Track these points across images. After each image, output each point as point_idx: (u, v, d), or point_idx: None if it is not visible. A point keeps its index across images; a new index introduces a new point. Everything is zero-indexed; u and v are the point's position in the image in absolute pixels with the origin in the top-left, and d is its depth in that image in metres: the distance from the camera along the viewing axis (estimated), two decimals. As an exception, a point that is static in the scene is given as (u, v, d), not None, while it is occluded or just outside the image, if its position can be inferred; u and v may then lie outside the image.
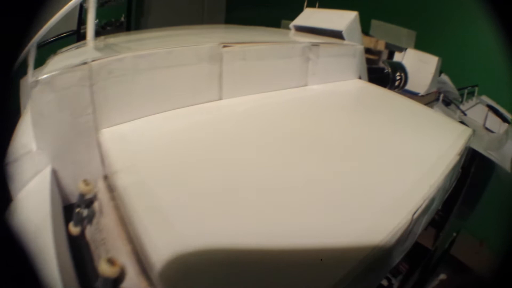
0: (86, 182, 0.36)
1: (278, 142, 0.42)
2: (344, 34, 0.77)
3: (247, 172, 0.36)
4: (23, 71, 0.55)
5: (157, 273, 0.23)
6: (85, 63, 0.40)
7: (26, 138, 0.40)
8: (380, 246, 0.27)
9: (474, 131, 0.56)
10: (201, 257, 0.24)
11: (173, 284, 0.23)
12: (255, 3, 2.98)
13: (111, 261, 0.26)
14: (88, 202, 0.37)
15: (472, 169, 1.25)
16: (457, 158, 0.44)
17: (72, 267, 0.31)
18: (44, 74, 0.38)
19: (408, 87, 1.09)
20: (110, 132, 0.41)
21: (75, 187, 0.39)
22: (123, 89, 0.43)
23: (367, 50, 0.79)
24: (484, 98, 1.63)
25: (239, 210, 0.30)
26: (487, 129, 1.42)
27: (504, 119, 1.50)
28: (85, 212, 0.36)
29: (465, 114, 1.47)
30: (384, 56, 1.22)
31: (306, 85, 0.64)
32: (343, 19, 0.80)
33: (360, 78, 0.75)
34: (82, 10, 2.07)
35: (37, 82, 0.38)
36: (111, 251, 0.30)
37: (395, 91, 1.10)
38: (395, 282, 0.97)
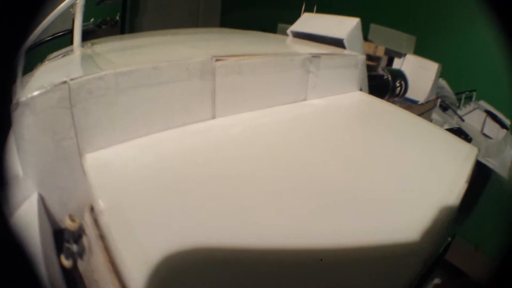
0: (71, 218, 0.33)
1: (279, 174, 0.38)
2: (345, 43, 0.73)
3: (248, 214, 0.32)
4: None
5: None
6: (64, 82, 0.36)
7: (14, 160, 0.36)
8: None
9: (479, 150, 0.53)
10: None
11: None
12: (250, 4, 2.94)
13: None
14: (76, 236, 0.34)
15: (469, 175, 1.23)
16: (466, 185, 0.41)
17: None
18: (24, 95, 0.35)
19: (408, 94, 1.06)
20: (94, 159, 0.37)
21: (62, 213, 0.37)
22: (106, 110, 0.39)
23: (366, 56, 0.76)
24: (482, 103, 1.60)
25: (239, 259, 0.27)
26: (484, 135, 1.40)
27: (503, 125, 1.48)
28: (74, 247, 0.33)
29: (462, 120, 1.45)
30: (383, 62, 1.19)
31: (305, 99, 0.60)
32: (344, 26, 0.76)
33: (361, 89, 0.72)
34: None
35: (17, 104, 0.35)
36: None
37: (395, 100, 1.07)
38: None
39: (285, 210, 0.33)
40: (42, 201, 0.37)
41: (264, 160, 0.40)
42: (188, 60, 0.43)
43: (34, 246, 0.30)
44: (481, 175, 1.28)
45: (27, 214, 0.34)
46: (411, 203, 0.36)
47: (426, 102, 1.17)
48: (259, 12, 2.62)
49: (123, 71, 0.39)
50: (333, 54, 0.63)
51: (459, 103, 1.55)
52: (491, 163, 1.16)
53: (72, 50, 0.59)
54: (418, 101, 1.14)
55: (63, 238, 0.35)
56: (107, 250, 0.29)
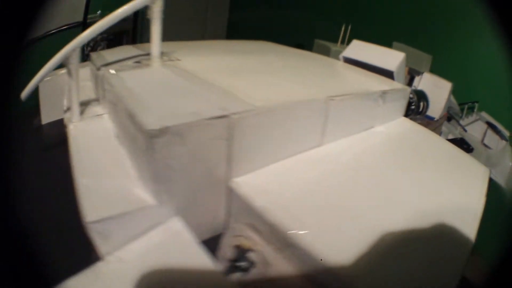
0: (246, 238, 0.46)
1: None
2: (395, 75, 0.89)
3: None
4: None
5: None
6: (225, 116, 0.43)
7: (138, 193, 0.42)
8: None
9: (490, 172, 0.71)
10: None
11: None
12: (259, 3, 3.01)
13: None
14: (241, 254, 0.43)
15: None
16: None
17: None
18: (168, 121, 0.38)
19: (426, 111, 1.24)
20: (244, 183, 0.47)
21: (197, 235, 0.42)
22: (255, 140, 0.48)
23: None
24: (484, 114, 1.78)
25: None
26: (485, 145, 1.60)
27: (502, 137, 1.65)
28: (244, 263, 0.42)
29: (465, 130, 1.65)
30: (406, 80, 1.35)
31: (372, 127, 0.76)
32: (393, 59, 0.91)
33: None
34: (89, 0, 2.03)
35: (163, 131, 0.37)
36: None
37: (417, 117, 1.24)
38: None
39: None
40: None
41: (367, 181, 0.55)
42: (312, 99, 0.56)
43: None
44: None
45: (168, 232, 0.41)
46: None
47: (440, 118, 1.36)
48: (267, 11, 2.72)
49: (274, 107, 0.48)
50: (395, 90, 0.79)
51: (462, 114, 1.76)
52: (491, 173, 1.36)
53: (147, 59, 0.70)
54: (434, 118, 1.33)
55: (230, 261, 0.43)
56: (291, 258, 0.42)
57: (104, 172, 0.47)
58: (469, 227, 0.47)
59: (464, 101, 1.78)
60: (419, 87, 1.34)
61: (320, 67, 0.88)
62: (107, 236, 0.38)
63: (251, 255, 0.43)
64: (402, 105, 0.84)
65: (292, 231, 0.41)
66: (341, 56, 0.99)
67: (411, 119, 0.95)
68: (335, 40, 1.68)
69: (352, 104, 0.64)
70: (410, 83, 1.38)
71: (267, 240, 0.44)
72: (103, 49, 2.47)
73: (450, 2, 1.70)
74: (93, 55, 0.82)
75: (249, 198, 0.45)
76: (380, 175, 0.57)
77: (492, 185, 1.46)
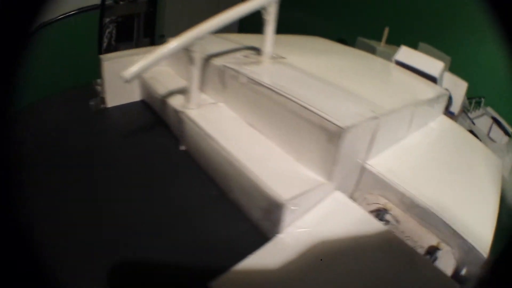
0: (381, 204, 0.69)
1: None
2: (438, 80, 1.15)
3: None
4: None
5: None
6: (376, 117, 0.66)
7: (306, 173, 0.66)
8: None
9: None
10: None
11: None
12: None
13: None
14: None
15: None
16: None
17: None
18: (348, 121, 0.59)
19: (447, 107, 1.52)
20: (376, 165, 0.72)
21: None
22: (383, 134, 0.72)
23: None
24: (489, 109, 2.08)
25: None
26: (490, 138, 1.92)
27: (506, 132, 1.95)
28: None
29: (473, 123, 1.97)
30: (432, 80, 1.63)
31: (426, 124, 1.01)
32: (436, 66, 1.18)
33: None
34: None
35: (348, 128, 0.58)
36: (418, 242, 0.65)
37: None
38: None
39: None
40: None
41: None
42: (409, 104, 0.81)
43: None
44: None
45: (337, 202, 0.64)
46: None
47: (458, 113, 1.66)
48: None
49: (396, 110, 0.74)
50: (443, 95, 1.05)
51: (470, 107, 2.07)
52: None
53: (254, 54, 0.90)
54: (454, 113, 1.62)
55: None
56: (415, 219, 0.66)
57: (264, 157, 0.69)
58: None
59: (472, 96, 2.07)
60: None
61: (393, 72, 1.13)
62: (293, 211, 0.59)
63: (386, 216, 0.67)
64: (443, 106, 1.11)
65: (415, 196, 0.65)
66: (393, 59, 1.23)
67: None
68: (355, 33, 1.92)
69: (423, 108, 0.89)
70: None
71: (396, 205, 0.68)
72: (111, 31, 2.55)
73: (464, 8, 1.99)
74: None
75: (382, 175, 0.69)
76: (448, 156, 0.84)
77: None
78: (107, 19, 2.48)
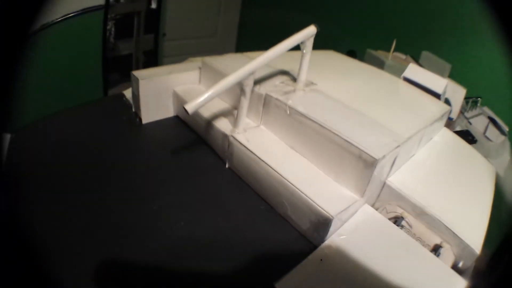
0: (398, 213, 0.95)
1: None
2: (441, 97, 1.41)
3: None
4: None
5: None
6: (398, 146, 0.90)
7: (344, 192, 0.91)
8: None
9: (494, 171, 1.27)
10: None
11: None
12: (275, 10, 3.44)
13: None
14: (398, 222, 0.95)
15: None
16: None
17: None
18: (381, 151, 0.81)
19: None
20: (394, 181, 0.97)
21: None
22: (403, 155, 0.99)
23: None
24: (486, 109, 2.33)
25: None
26: (486, 137, 2.15)
27: (502, 132, 2.18)
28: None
29: (470, 123, 2.24)
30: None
31: (431, 138, 1.27)
32: (439, 83, 1.43)
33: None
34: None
35: (382, 158, 0.80)
36: (426, 241, 0.91)
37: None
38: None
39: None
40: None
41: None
42: (422, 128, 1.06)
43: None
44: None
45: (366, 213, 0.89)
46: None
47: (456, 118, 1.94)
48: (280, 10, 3.17)
49: (411, 136, 0.98)
50: (447, 112, 1.30)
51: (467, 107, 2.34)
52: (491, 163, 1.95)
53: (292, 80, 1.14)
54: (453, 118, 1.90)
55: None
56: (425, 223, 0.92)
57: (309, 178, 0.92)
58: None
59: (469, 96, 2.35)
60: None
61: (405, 93, 1.37)
62: (336, 223, 0.84)
63: (402, 222, 0.93)
64: (445, 120, 1.36)
65: (424, 206, 0.91)
66: (402, 76, 1.47)
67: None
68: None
69: (432, 127, 1.15)
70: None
71: (409, 213, 0.94)
72: (110, 28, 2.70)
73: (463, 15, 2.24)
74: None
75: (399, 190, 0.94)
76: (450, 168, 1.12)
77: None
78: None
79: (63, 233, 0.76)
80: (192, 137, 1.23)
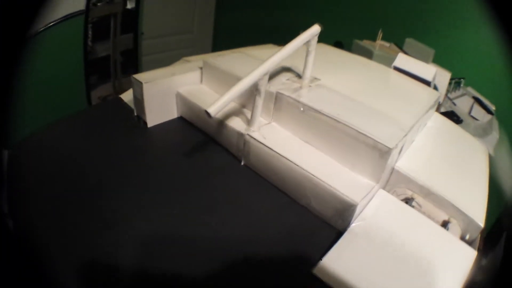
0: (408, 194, 1.10)
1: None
2: (431, 84, 1.58)
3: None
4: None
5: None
6: (406, 135, 1.05)
7: (362, 180, 1.07)
8: None
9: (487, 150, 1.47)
10: None
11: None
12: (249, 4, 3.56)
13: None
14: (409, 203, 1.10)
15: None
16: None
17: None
18: (393, 141, 0.94)
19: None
20: (402, 166, 1.12)
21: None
22: (408, 142, 1.15)
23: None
24: (470, 89, 2.50)
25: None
26: (472, 117, 2.29)
27: (488, 111, 2.33)
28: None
29: (454, 104, 2.43)
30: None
31: (426, 124, 1.43)
32: (429, 71, 1.60)
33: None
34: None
35: (394, 147, 0.92)
36: (435, 218, 1.07)
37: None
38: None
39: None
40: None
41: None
42: (422, 114, 1.22)
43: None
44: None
45: (382, 197, 1.04)
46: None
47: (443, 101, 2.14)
48: (258, 12, 3.31)
49: (413, 124, 1.14)
50: (438, 98, 1.47)
51: (450, 88, 2.53)
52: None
53: (297, 77, 1.27)
54: (440, 102, 2.09)
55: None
56: (431, 202, 1.08)
57: (327, 169, 1.05)
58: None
59: (452, 77, 2.53)
60: (426, 76, 2.06)
61: (400, 83, 1.52)
62: (358, 209, 0.97)
63: (413, 203, 1.08)
64: (437, 106, 1.53)
65: (431, 187, 1.06)
66: (392, 66, 1.63)
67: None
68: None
69: (427, 114, 1.31)
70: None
71: (417, 194, 1.09)
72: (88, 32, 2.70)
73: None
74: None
75: (407, 174, 1.09)
76: (447, 150, 1.29)
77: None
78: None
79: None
80: (201, 137, 1.29)
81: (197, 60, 1.54)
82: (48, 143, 1.17)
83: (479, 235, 1.02)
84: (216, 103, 0.94)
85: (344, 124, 1.03)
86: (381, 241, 0.92)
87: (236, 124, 1.20)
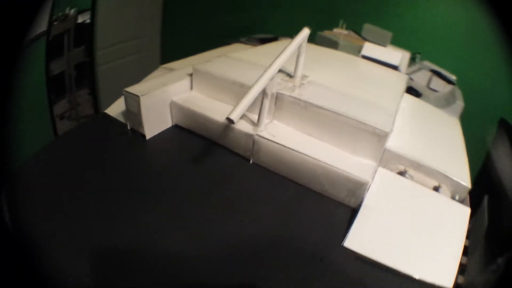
0: (401, 169, 1.34)
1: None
2: (399, 68, 1.85)
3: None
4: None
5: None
6: (394, 120, 1.31)
7: (364, 161, 1.31)
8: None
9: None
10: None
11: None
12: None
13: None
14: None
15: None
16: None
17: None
18: (387, 126, 1.17)
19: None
20: (393, 146, 1.35)
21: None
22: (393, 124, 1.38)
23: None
24: (427, 63, 2.69)
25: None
26: (431, 89, 2.45)
27: (449, 81, 2.50)
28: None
29: (412, 79, 2.70)
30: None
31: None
32: (395, 56, 1.87)
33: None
34: (54, 3, 2.34)
35: (389, 131, 1.18)
36: (427, 185, 1.32)
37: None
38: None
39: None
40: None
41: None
42: (398, 100, 1.46)
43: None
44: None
45: (382, 173, 1.28)
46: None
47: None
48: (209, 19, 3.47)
49: (398, 109, 1.38)
50: (407, 80, 1.74)
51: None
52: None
53: (289, 76, 1.47)
54: (402, 79, 2.39)
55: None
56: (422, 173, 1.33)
57: (333, 155, 1.26)
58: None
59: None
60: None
61: (374, 71, 1.76)
62: (368, 185, 1.19)
63: (406, 175, 1.32)
64: (404, 86, 1.80)
65: (419, 160, 1.32)
66: (361, 55, 1.87)
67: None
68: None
69: (402, 96, 1.56)
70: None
71: (408, 167, 1.34)
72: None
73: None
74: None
75: (397, 151, 1.33)
76: (425, 127, 1.55)
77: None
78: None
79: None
80: (202, 142, 1.35)
81: (180, 67, 1.63)
82: (44, 168, 1.15)
83: (468, 195, 1.29)
84: (236, 109, 1.04)
85: (346, 116, 1.24)
86: (391, 210, 1.15)
87: (242, 126, 1.35)
